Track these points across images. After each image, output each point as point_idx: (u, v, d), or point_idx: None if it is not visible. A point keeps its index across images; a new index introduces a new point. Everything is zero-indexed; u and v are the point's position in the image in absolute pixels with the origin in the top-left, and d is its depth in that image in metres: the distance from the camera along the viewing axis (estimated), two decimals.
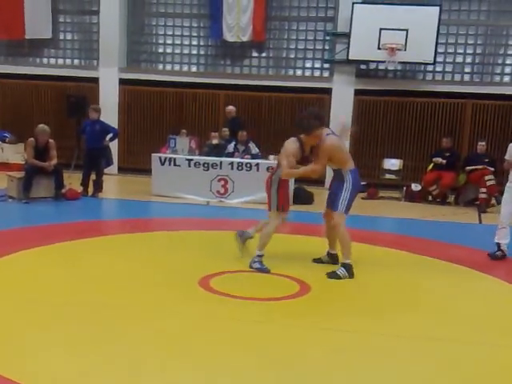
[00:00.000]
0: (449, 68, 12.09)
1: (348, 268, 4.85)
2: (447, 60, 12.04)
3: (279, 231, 5.35)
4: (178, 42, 12.95)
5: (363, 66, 12.17)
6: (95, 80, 12.71)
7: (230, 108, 11.31)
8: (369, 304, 4.28)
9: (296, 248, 6.19)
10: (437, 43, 11.23)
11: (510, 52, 11.91)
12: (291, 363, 3.13)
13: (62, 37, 13.21)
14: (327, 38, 12.25)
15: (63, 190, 8.67)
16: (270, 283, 4.74)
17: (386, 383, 2.99)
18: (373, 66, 12.14)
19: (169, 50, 13.02)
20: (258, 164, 9.41)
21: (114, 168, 11.90)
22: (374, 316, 4.02)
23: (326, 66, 12.40)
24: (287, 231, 7.39)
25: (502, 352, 3.45)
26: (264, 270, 5.00)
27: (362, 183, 11.19)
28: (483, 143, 10.25)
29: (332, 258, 5.36)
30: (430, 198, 10.43)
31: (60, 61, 13.26)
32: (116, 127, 10.53)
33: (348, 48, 11.51)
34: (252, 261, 5.09)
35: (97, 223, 7.33)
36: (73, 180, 9.21)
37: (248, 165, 9.41)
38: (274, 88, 12.28)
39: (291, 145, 5.07)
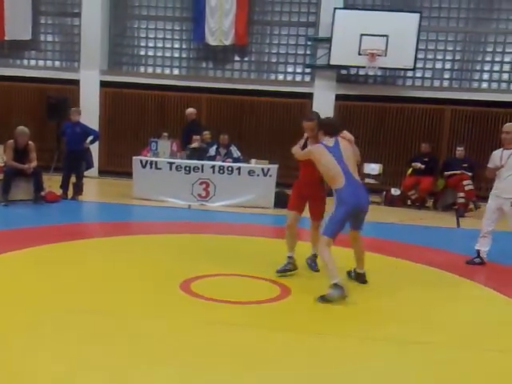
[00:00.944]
0: (428, 74, 12.28)
1: (337, 287, 4.37)
2: (427, 66, 12.22)
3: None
4: (160, 44, 12.95)
5: (344, 72, 12.29)
6: (76, 82, 12.63)
7: (191, 110, 11.17)
8: (348, 307, 4.32)
9: (276, 251, 6.21)
10: (417, 49, 11.40)
11: (487, 59, 12.13)
12: (271, 366, 3.16)
13: (42, 38, 13.12)
14: (309, 43, 12.36)
15: (42, 193, 8.59)
16: (251, 287, 4.76)
17: None
18: (353, 71, 12.28)
19: (151, 53, 13.01)
20: (239, 168, 9.43)
21: (94, 171, 11.84)
22: (353, 319, 4.06)
23: (308, 70, 12.51)
24: (268, 235, 7.44)
25: (482, 355, 3.52)
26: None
27: None
28: (461, 148, 10.40)
29: (357, 277, 5.10)
30: (409, 202, 10.56)
31: (40, 62, 13.17)
32: (97, 130, 10.48)
33: (329, 53, 11.62)
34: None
35: (76, 226, 7.28)
36: (52, 183, 9.14)
37: (230, 168, 9.43)
38: (255, 92, 12.34)
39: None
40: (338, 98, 12.13)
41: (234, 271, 5.12)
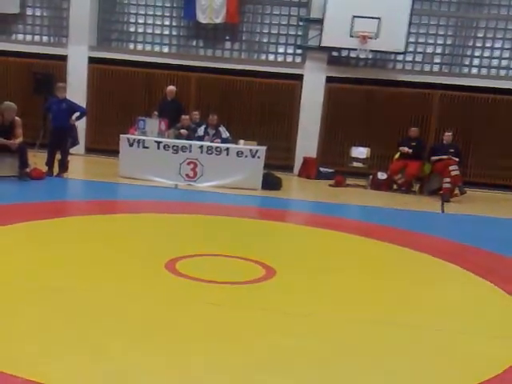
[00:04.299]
0: (419, 58, 12.24)
1: None
2: (418, 50, 12.19)
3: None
4: (150, 21, 12.76)
5: (335, 54, 12.22)
6: (63, 58, 12.44)
7: (171, 88, 10.97)
8: (332, 289, 4.35)
9: (263, 233, 6.24)
10: (408, 33, 11.36)
11: (478, 44, 12.12)
12: (254, 347, 3.18)
13: (30, 12, 12.87)
14: (300, 23, 12.25)
15: (27, 170, 8.51)
16: (236, 267, 4.77)
17: (347, 367, 3.06)
18: (344, 53, 12.22)
19: (140, 30, 12.83)
20: (228, 148, 9.39)
21: (81, 148, 11.74)
22: (337, 301, 4.09)
23: (299, 51, 12.42)
24: (254, 216, 7.46)
25: (456, 337, 3.57)
26: None
27: (330, 170, 11.48)
28: (449, 133, 10.44)
29: None
30: (395, 186, 10.60)
31: (28, 37, 12.94)
32: (84, 106, 10.37)
33: (321, 34, 11.53)
34: None
35: (61, 204, 7.24)
36: (38, 159, 9.05)
37: (218, 149, 9.38)
38: (245, 72, 12.24)
39: None
40: (328, 80, 12.09)
41: (220, 251, 5.13)
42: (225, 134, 9.98)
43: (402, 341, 3.43)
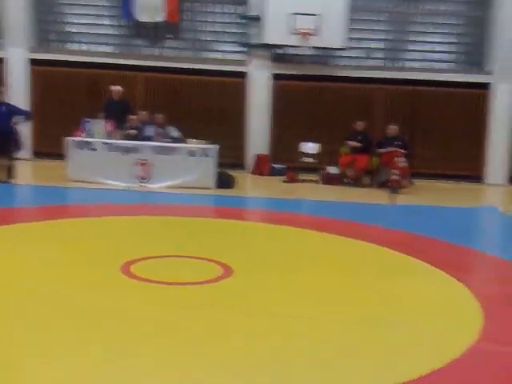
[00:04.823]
0: (360, 54, 12.48)
1: None
2: (359, 45, 12.39)
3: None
4: (89, 21, 12.44)
5: (280, 51, 12.28)
6: (1, 60, 12.00)
7: (117, 88, 10.64)
8: (297, 287, 4.29)
9: (218, 232, 6.22)
10: (348, 29, 11.52)
11: (416, 39, 12.49)
12: (211, 348, 3.13)
13: None
14: (242, 21, 12.24)
15: None
16: (193, 267, 4.73)
17: (295, 365, 3.06)
18: (289, 50, 12.27)
19: (82, 30, 12.52)
20: (178, 148, 9.32)
21: (28, 153, 11.39)
22: (300, 298, 4.08)
23: (242, 49, 12.40)
24: (209, 215, 7.43)
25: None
26: None
27: (283, 167, 11.56)
28: (393, 127, 10.71)
29: None
30: (346, 180, 10.79)
31: None
32: (27, 109, 10.05)
33: (263, 32, 11.55)
34: None
35: (9, 210, 6.98)
36: None
37: (169, 149, 9.29)
38: (191, 71, 12.16)
39: None
40: (275, 77, 12.16)
41: (176, 252, 5.07)
42: (174, 133, 9.88)
43: (358, 338, 3.47)
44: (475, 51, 12.46)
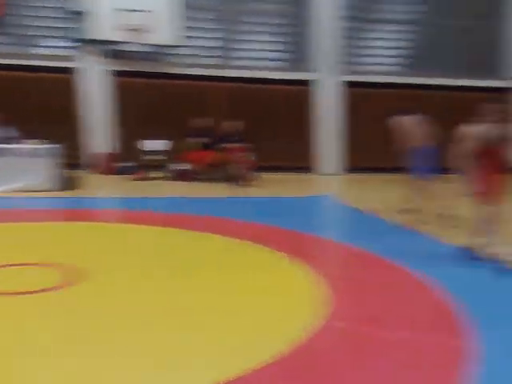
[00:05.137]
0: (195, 51, 12.62)
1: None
2: (194, 44, 12.54)
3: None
4: None
5: (115, 47, 11.92)
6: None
7: None
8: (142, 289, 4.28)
9: (65, 235, 5.94)
10: (182, 27, 11.63)
11: (248, 38, 13.07)
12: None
13: None
14: (71, 16, 11.74)
15: None
16: (35, 275, 4.39)
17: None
18: (125, 47, 11.92)
19: None
20: (16, 149, 8.71)
21: None
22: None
23: (72, 45, 11.92)
24: (54, 219, 7.03)
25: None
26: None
27: (131, 165, 11.29)
28: (230, 123, 11.13)
29: None
30: (196, 176, 10.89)
31: None
32: None
33: (91, 27, 11.22)
34: None
35: None
36: None
37: (6, 150, 8.61)
38: (17, 67, 11.47)
39: None
40: (115, 74, 11.88)
41: (20, 260, 4.73)
42: (12, 133, 9.17)
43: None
44: (298, 50, 13.28)
